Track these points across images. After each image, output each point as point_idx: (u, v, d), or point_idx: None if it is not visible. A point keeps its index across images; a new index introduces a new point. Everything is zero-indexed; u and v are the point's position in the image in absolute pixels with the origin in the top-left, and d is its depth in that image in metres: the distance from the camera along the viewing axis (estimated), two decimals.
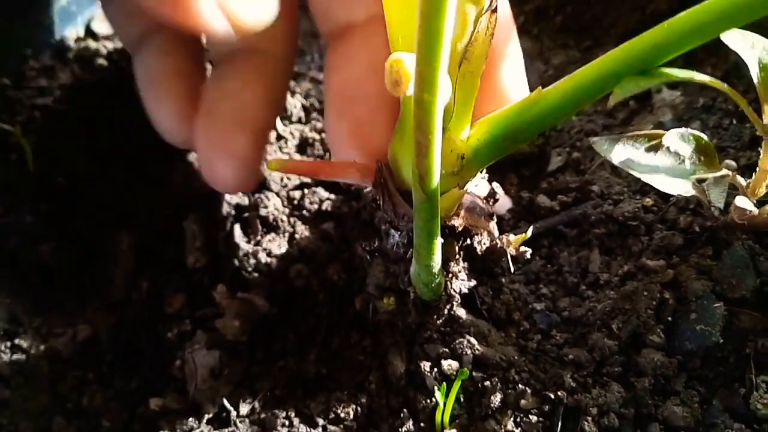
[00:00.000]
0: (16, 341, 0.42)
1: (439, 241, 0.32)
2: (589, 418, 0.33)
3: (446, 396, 0.34)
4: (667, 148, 0.28)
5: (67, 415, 0.41)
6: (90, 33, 0.53)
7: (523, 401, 0.35)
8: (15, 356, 0.42)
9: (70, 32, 0.52)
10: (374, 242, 0.37)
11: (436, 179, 0.28)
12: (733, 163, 0.32)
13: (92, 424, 0.41)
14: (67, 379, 0.42)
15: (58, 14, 0.51)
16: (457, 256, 0.37)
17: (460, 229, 0.35)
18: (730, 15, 0.22)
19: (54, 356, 0.42)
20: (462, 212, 0.35)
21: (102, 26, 0.53)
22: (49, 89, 0.50)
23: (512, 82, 0.35)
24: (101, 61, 0.52)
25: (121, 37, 0.42)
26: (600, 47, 0.48)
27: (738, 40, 0.26)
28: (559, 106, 0.29)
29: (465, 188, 0.34)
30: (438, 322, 0.38)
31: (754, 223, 0.35)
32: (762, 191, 0.31)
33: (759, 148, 0.32)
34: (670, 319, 0.34)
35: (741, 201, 0.31)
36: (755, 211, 0.32)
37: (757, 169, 0.30)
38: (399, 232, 0.36)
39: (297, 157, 0.47)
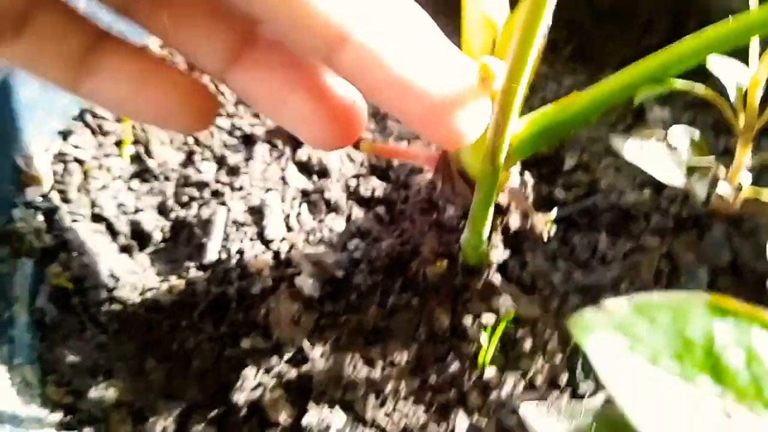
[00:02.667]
0: (114, 294, 0.48)
1: (492, 211, 0.40)
2: None
3: (490, 338, 0.42)
4: (669, 142, 0.36)
5: (159, 357, 0.47)
6: None
7: (549, 345, 0.42)
8: (113, 306, 0.48)
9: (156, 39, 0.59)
10: (431, 216, 0.44)
11: (503, 155, 0.35)
12: (712, 160, 0.40)
13: (182, 364, 0.47)
14: (160, 326, 0.47)
15: None
16: (498, 229, 0.44)
17: (504, 206, 0.43)
18: (715, 44, 0.30)
19: (149, 306, 0.48)
20: (506, 191, 0.43)
21: None
22: None
23: None
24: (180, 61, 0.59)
25: None
26: (601, 72, 0.57)
27: (719, 66, 0.35)
28: (590, 108, 0.36)
29: (511, 173, 0.41)
30: (478, 284, 0.45)
31: (729, 212, 0.43)
32: (737, 180, 0.39)
33: (732, 158, 0.41)
34: (665, 282, 0.42)
35: (723, 186, 0.39)
36: (731, 196, 0.40)
37: (734, 162, 0.39)
38: (454, 207, 0.43)
39: (352, 151, 0.54)
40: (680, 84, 0.32)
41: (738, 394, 0.16)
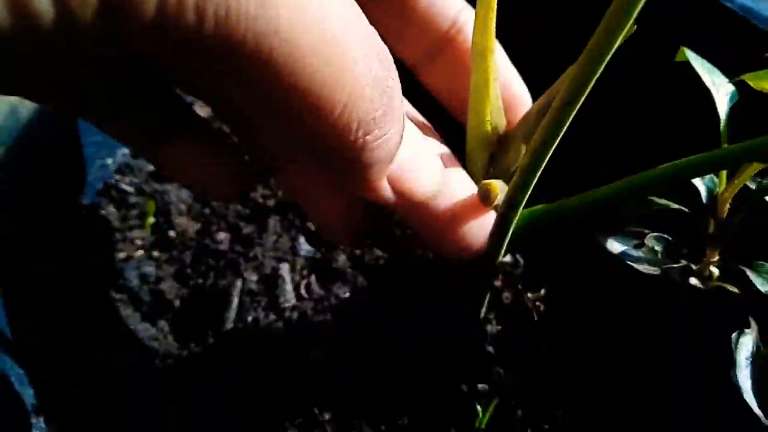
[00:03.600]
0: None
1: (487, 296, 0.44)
2: None
3: (484, 410, 0.46)
4: (647, 245, 0.41)
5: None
6: None
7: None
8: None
9: None
10: None
11: (498, 259, 0.39)
12: (684, 258, 0.45)
13: None
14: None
15: None
16: (492, 307, 0.49)
17: (499, 287, 0.47)
18: (696, 168, 0.35)
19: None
20: (500, 277, 0.47)
21: (200, 110, 0.63)
22: None
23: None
24: None
25: None
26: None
27: (698, 183, 0.40)
28: (576, 215, 0.41)
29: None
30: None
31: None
32: (706, 274, 0.44)
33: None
34: None
35: (693, 281, 0.44)
36: (702, 287, 0.45)
37: (704, 260, 0.43)
38: None
39: None
40: (660, 202, 0.37)
41: None
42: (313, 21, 0.19)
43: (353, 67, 0.21)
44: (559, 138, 0.30)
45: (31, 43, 0.18)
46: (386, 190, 0.30)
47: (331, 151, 0.24)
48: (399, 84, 0.26)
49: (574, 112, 0.28)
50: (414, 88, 0.40)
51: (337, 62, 0.21)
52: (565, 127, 0.29)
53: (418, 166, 0.32)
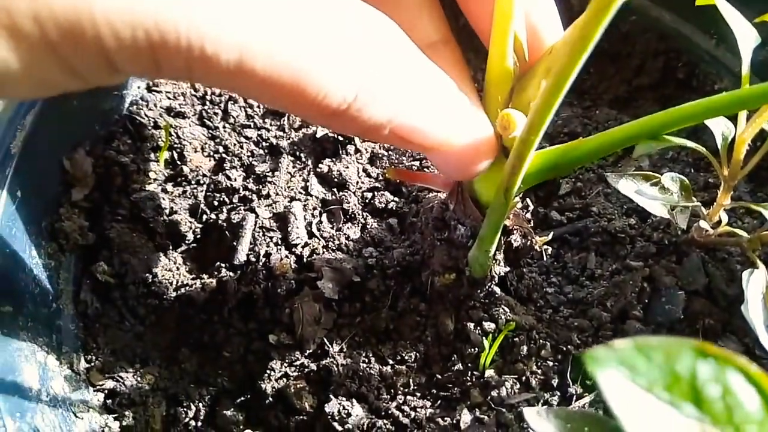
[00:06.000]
0: (152, 289, 0.52)
1: (499, 235, 0.44)
2: None
3: (491, 344, 0.46)
4: (663, 185, 0.41)
5: (192, 348, 0.51)
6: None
7: (543, 352, 0.47)
8: (149, 300, 0.52)
9: None
10: (442, 233, 0.49)
11: (515, 190, 0.40)
12: (695, 199, 0.45)
13: (213, 354, 0.51)
14: (193, 320, 0.51)
15: None
16: (501, 248, 0.49)
17: (509, 228, 0.47)
18: (715, 109, 0.35)
19: (183, 302, 0.52)
20: (511, 216, 0.47)
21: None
22: (173, 94, 0.60)
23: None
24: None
25: None
26: (596, 107, 0.62)
27: (714, 124, 0.40)
28: (592, 152, 0.40)
29: (515, 200, 0.46)
30: (480, 295, 0.50)
31: (706, 242, 0.48)
32: (716, 218, 0.44)
33: (711, 192, 0.46)
34: (647, 301, 0.47)
35: (703, 224, 0.44)
36: (711, 231, 0.45)
37: (715, 202, 0.43)
38: (464, 227, 0.47)
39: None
40: (675, 141, 0.37)
41: (714, 419, 0.20)
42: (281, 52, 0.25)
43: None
44: (572, 76, 0.30)
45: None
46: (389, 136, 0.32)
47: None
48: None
49: (588, 50, 0.28)
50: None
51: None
52: (579, 65, 0.29)
53: (429, 116, 0.33)
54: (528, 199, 0.52)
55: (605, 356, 0.22)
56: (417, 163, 0.57)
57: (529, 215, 0.52)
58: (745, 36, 0.39)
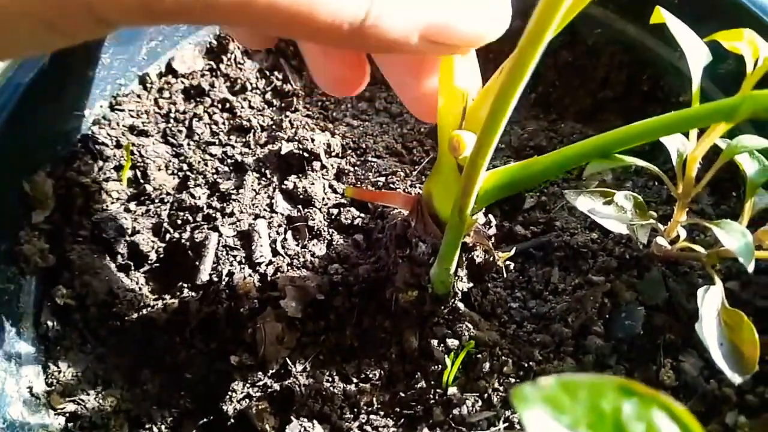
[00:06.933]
0: (113, 310, 0.51)
1: (458, 252, 0.44)
2: None
3: (453, 361, 0.46)
4: (616, 203, 0.41)
5: (154, 369, 0.51)
6: (170, 70, 0.63)
7: (505, 368, 0.47)
8: (110, 322, 0.51)
9: (154, 68, 0.62)
10: (405, 251, 0.48)
11: (470, 211, 0.39)
12: (655, 214, 0.45)
13: (175, 376, 0.50)
14: (155, 341, 0.51)
15: (146, 54, 0.61)
16: (463, 264, 0.48)
17: (470, 245, 0.47)
18: (664, 128, 0.34)
19: (145, 323, 0.51)
20: (472, 233, 0.47)
21: (181, 66, 0.62)
22: (136, 112, 0.60)
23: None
24: (177, 91, 0.62)
25: None
26: (562, 120, 0.62)
27: (668, 142, 0.39)
28: (546, 171, 0.40)
29: (475, 217, 0.46)
30: (444, 311, 0.49)
31: (667, 256, 0.48)
32: (674, 234, 0.44)
33: (674, 204, 0.45)
34: (607, 316, 0.47)
35: (660, 240, 0.44)
36: (669, 247, 0.45)
37: (672, 219, 0.43)
38: (425, 245, 0.47)
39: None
40: (627, 160, 0.37)
41: None
42: None
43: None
44: (519, 89, 0.30)
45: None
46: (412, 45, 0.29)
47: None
48: None
49: (532, 64, 0.28)
50: None
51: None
52: (526, 78, 0.29)
53: None
54: (491, 215, 0.52)
55: (530, 394, 0.21)
56: (383, 179, 0.57)
57: (492, 230, 0.52)
58: (697, 54, 0.39)
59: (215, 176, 0.57)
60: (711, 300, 0.39)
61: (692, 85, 0.38)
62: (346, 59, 0.38)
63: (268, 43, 0.46)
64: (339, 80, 0.39)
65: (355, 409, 0.47)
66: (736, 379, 0.37)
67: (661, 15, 0.41)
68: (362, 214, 0.56)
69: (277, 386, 0.48)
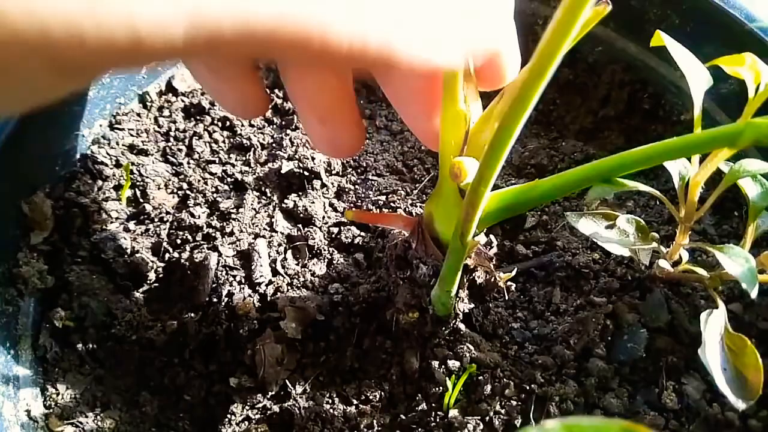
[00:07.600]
0: (112, 331, 0.51)
1: (459, 274, 0.44)
2: (553, 404, 0.45)
3: (455, 384, 0.46)
4: (618, 227, 0.40)
5: (152, 391, 0.50)
6: (170, 88, 0.62)
7: (506, 391, 0.46)
8: (109, 343, 0.51)
9: (154, 87, 0.62)
10: (405, 272, 0.48)
11: (471, 235, 0.39)
12: (657, 235, 0.44)
13: (174, 398, 0.50)
14: (154, 363, 0.50)
15: (146, 72, 0.61)
16: (464, 285, 0.48)
17: (471, 266, 0.47)
18: (666, 153, 0.34)
19: (144, 344, 0.51)
20: (473, 255, 0.46)
21: (181, 84, 0.62)
22: (136, 131, 0.60)
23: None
24: (177, 110, 0.62)
25: None
26: (563, 138, 0.61)
27: (671, 167, 0.39)
28: (547, 194, 0.40)
29: (476, 239, 0.45)
30: (445, 332, 0.49)
31: (669, 278, 0.48)
32: (676, 257, 0.44)
33: (676, 224, 0.45)
34: (609, 338, 0.47)
35: (663, 263, 0.43)
36: (671, 269, 0.45)
37: (674, 241, 0.43)
38: (426, 266, 0.47)
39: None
40: (629, 184, 0.37)
41: None
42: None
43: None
44: (525, 116, 0.29)
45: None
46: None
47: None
48: None
49: (541, 88, 0.28)
50: None
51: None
52: (532, 105, 0.28)
53: None
54: (492, 235, 0.51)
55: None
56: (383, 197, 0.57)
57: (494, 251, 0.51)
58: (698, 78, 0.39)
59: (215, 195, 0.57)
60: (714, 324, 0.39)
61: (694, 110, 0.38)
62: (345, 121, 0.39)
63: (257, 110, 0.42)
64: (338, 143, 0.40)
65: (356, 431, 0.46)
66: (740, 405, 0.37)
67: (662, 38, 0.40)
68: (363, 233, 0.55)
69: (276, 408, 0.47)
